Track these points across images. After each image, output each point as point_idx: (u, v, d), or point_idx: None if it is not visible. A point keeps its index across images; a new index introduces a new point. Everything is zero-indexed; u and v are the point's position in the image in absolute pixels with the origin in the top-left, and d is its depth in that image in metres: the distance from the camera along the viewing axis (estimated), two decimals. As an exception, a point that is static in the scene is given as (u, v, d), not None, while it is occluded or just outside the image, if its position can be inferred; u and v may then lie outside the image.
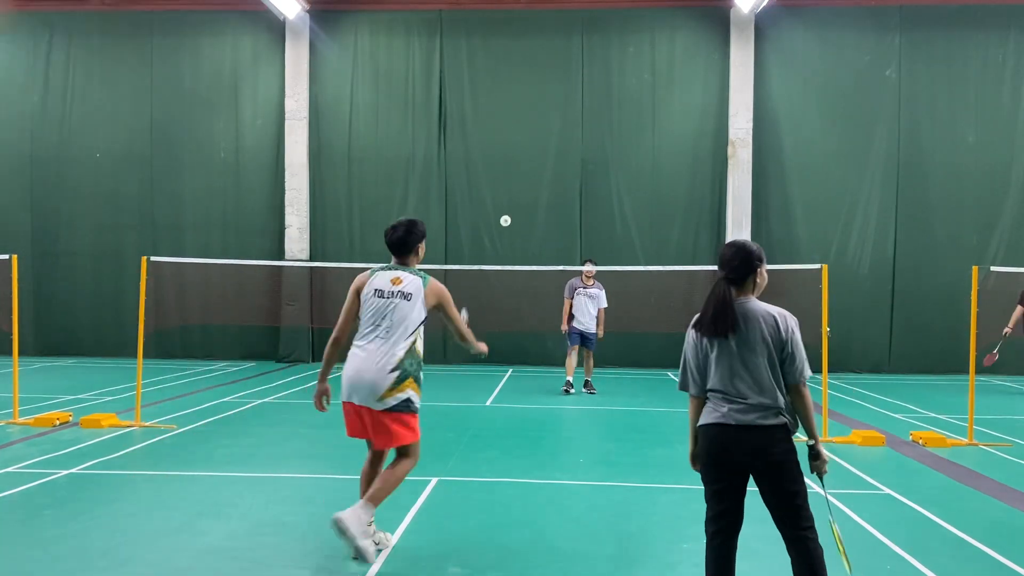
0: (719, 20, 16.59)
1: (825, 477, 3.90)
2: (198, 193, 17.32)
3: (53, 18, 17.50)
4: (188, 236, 17.22)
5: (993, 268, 11.15)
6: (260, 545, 5.26)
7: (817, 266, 9.52)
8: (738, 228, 16.26)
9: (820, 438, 3.79)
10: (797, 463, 3.67)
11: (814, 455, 3.76)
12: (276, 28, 17.15)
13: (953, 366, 15.30)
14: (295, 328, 16.88)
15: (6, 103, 17.57)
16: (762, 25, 16.47)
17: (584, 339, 12.65)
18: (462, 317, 5.23)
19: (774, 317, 3.66)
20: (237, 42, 17.36)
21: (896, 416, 10.99)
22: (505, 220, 5.91)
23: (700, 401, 3.79)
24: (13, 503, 6.15)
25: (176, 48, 17.42)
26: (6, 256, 9.65)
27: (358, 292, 5.09)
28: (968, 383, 9.04)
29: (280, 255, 17.08)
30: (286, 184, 17.07)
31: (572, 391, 12.65)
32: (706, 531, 3.80)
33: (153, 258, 10.18)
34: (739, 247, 3.76)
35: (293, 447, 8.57)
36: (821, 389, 9.26)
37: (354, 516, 4.72)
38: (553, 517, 5.99)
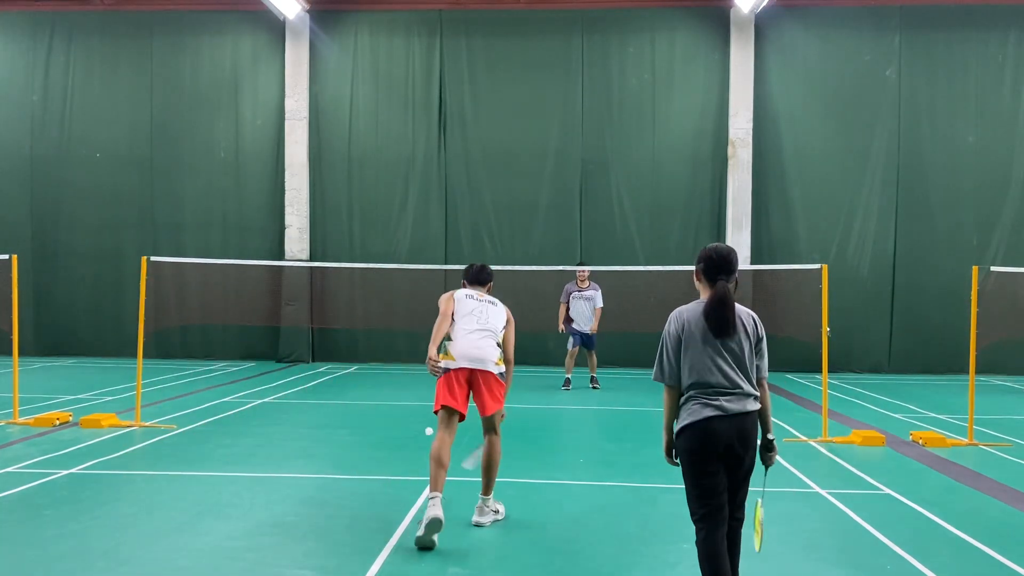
0: (719, 20, 16.59)
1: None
2: (198, 193, 17.32)
3: (53, 18, 17.50)
4: (188, 236, 17.22)
5: (993, 268, 11.17)
6: (260, 545, 5.26)
7: (817, 266, 9.51)
8: (738, 228, 16.26)
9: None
10: None
11: (768, 446, 3.99)
12: (276, 28, 17.15)
13: (953, 366, 15.30)
14: (295, 328, 16.88)
15: (6, 103, 17.57)
16: (762, 25, 16.47)
17: (584, 340, 13.09)
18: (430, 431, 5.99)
19: (752, 317, 3.96)
20: (237, 42, 17.37)
21: (896, 416, 10.99)
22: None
23: (675, 392, 3.94)
24: (13, 503, 6.14)
25: (176, 48, 17.42)
26: (6, 256, 9.65)
27: (450, 300, 5.86)
28: (968, 383, 9.04)
29: (280, 255, 17.07)
30: (286, 184, 17.07)
31: (570, 387, 13.11)
32: (699, 529, 3.86)
33: (153, 258, 10.18)
34: (731, 250, 4.01)
35: (293, 447, 8.57)
36: (821, 389, 9.28)
37: (484, 512, 5.73)
38: (553, 517, 5.99)
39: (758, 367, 3.93)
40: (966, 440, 8.94)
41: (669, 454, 4.02)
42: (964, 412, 9.30)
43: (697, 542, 3.86)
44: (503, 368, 5.77)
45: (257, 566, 4.88)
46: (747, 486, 3.94)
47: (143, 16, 17.41)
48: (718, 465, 3.81)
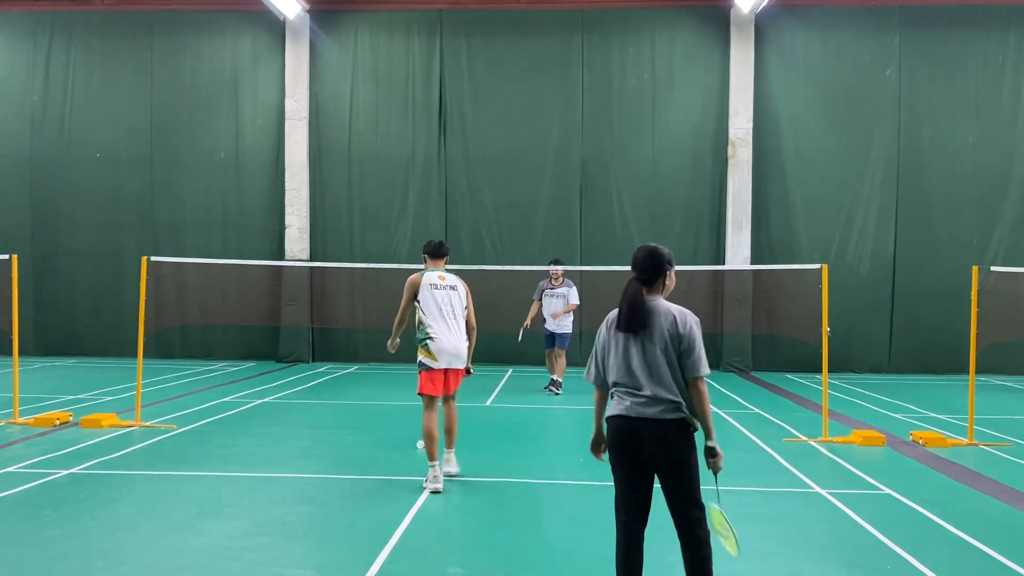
0: (719, 20, 16.59)
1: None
2: (198, 193, 17.33)
3: (53, 18, 17.50)
4: (188, 236, 17.22)
5: (993, 268, 11.18)
6: (260, 545, 5.25)
7: (817, 266, 9.52)
8: (738, 228, 16.25)
9: (715, 437, 3.86)
10: (694, 458, 3.82)
11: (710, 452, 3.84)
12: (276, 28, 17.16)
13: (953, 366, 15.32)
14: (295, 328, 16.88)
15: (6, 103, 17.58)
16: (762, 25, 16.47)
17: (554, 339, 12.64)
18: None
19: (674, 315, 3.84)
20: (237, 42, 17.37)
21: (896, 416, 10.99)
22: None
23: (603, 392, 4.04)
24: (13, 503, 6.14)
25: (176, 48, 17.43)
26: (6, 256, 9.66)
27: (415, 289, 6.84)
28: (968, 383, 9.04)
29: (280, 255, 17.07)
30: (286, 184, 17.07)
31: (554, 390, 12.61)
32: (616, 518, 3.93)
33: (153, 258, 10.18)
34: (650, 251, 3.97)
35: (293, 447, 8.57)
36: (821, 389, 9.29)
37: (451, 463, 6.97)
38: (553, 517, 5.99)
39: (686, 367, 3.78)
40: (966, 440, 8.94)
41: (594, 448, 4.11)
42: (964, 412, 9.30)
43: (617, 530, 3.91)
44: (469, 362, 6.97)
45: (257, 566, 4.88)
46: (688, 489, 3.79)
47: (143, 16, 17.41)
48: (629, 460, 3.85)
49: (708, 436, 3.84)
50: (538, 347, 16.11)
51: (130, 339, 14.79)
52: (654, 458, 3.80)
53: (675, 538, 5.39)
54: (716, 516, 3.86)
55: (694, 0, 16.72)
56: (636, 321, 3.81)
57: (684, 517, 3.83)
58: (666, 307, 3.87)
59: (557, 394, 12.50)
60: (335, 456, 8.16)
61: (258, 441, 8.71)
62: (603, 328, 4.01)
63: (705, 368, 3.80)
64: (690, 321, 3.83)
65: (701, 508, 3.83)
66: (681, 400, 3.78)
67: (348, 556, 5.05)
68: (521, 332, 12.99)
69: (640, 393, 3.79)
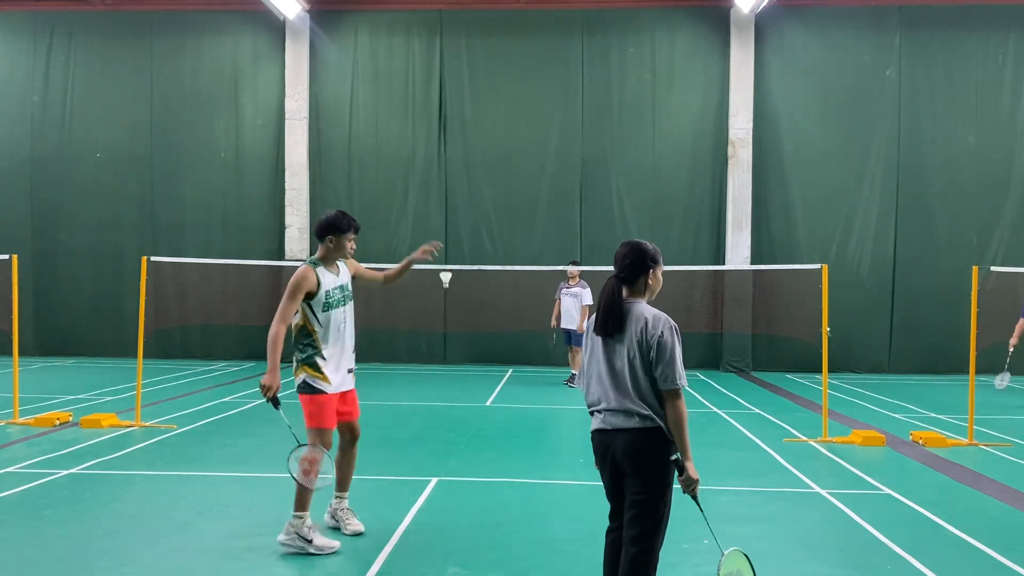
0: (719, 20, 16.59)
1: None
2: (198, 193, 17.33)
3: (53, 18, 17.50)
4: (188, 236, 17.22)
5: (993, 268, 11.19)
6: (260, 545, 5.26)
7: (817, 266, 9.53)
8: (738, 228, 16.25)
9: (689, 456, 3.50)
10: (665, 474, 3.53)
11: (679, 470, 3.50)
12: (276, 28, 17.16)
13: (953, 366, 15.31)
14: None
15: (6, 103, 17.57)
16: (762, 25, 16.47)
17: (570, 336, 13.40)
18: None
19: (646, 319, 3.52)
20: (237, 42, 17.37)
21: (896, 416, 10.99)
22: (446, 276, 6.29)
23: None
24: (13, 503, 6.15)
25: (176, 48, 17.43)
26: (6, 256, 9.66)
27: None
28: (968, 383, 9.04)
29: (280, 255, 17.07)
30: (286, 184, 17.07)
31: (572, 384, 13.40)
32: (606, 532, 3.79)
33: (153, 258, 10.18)
34: (633, 246, 3.67)
35: (293, 447, 8.55)
36: (821, 389, 9.29)
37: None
38: (553, 517, 5.99)
39: (656, 378, 3.47)
40: (966, 440, 8.94)
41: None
42: (964, 412, 9.31)
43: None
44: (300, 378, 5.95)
45: (257, 566, 4.88)
46: (643, 518, 3.50)
47: (143, 16, 17.41)
48: (609, 476, 3.67)
49: (683, 455, 3.48)
50: (540, 345, 16.21)
51: (130, 339, 14.79)
52: (625, 468, 3.55)
53: (675, 538, 5.41)
54: (737, 560, 3.55)
55: (694, 0, 16.73)
56: (611, 323, 3.52)
57: (626, 530, 3.56)
58: (640, 310, 3.55)
59: (574, 387, 13.24)
60: (334, 456, 8.14)
61: (258, 441, 8.71)
62: (589, 331, 3.76)
63: (678, 380, 3.44)
64: (662, 327, 3.48)
65: (645, 536, 3.50)
66: (652, 413, 3.47)
67: (348, 556, 5.06)
68: (555, 334, 13.78)
69: (608, 407, 3.56)
